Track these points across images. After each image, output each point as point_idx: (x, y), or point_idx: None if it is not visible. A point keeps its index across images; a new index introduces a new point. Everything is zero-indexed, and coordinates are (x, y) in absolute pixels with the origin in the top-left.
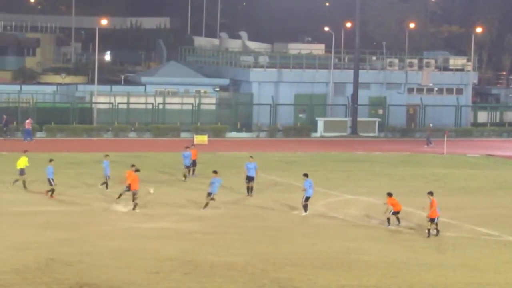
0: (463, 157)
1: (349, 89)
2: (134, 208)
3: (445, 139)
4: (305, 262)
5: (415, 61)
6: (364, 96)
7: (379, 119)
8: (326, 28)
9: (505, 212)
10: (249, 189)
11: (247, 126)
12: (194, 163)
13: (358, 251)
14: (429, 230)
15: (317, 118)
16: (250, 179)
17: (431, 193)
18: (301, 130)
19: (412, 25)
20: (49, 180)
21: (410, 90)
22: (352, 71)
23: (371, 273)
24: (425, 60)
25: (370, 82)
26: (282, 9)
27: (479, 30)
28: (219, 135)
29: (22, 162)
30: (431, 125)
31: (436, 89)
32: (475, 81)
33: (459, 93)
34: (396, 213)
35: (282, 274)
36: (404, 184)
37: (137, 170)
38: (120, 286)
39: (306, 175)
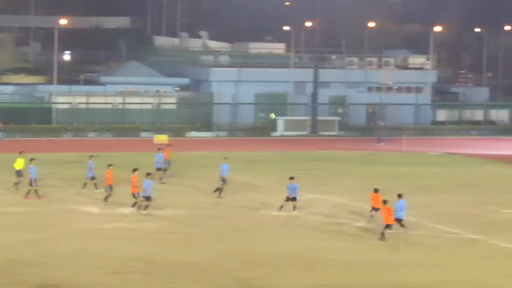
0: (423, 155)
1: (310, 88)
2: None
3: (405, 137)
4: (269, 261)
5: (375, 60)
6: (324, 95)
7: (340, 118)
8: (287, 28)
9: (466, 210)
10: (220, 190)
11: (207, 125)
12: (167, 163)
13: (322, 250)
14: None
15: (277, 117)
16: (223, 180)
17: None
18: (262, 129)
19: (372, 24)
20: (31, 180)
21: (370, 89)
22: (312, 70)
23: (334, 272)
24: (385, 59)
25: (330, 81)
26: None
27: (438, 29)
28: (180, 134)
29: (19, 163)
30: (381, 123)
31: (395, 87)
32: (435, 79)
33: (419, 92)
34: (375, 209)
35: (246, 274)
36: (368, 183)
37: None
38: (81, 286)
39: (292, 178)
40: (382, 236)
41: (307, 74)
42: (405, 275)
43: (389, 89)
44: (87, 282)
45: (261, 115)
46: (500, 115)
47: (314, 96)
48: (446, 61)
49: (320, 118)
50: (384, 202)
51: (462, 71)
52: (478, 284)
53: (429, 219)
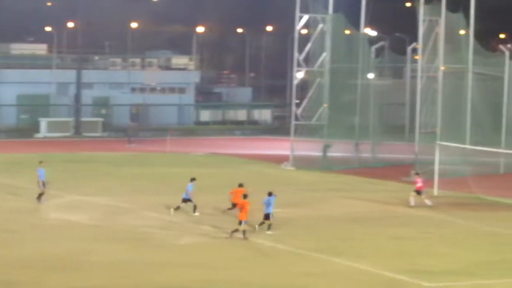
0: (186, 155)
1: (73, 89)
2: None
3: (169, 138)
4: (34, 263)
5: (138, 60)
6: (87, 96)
7: (103, 119)
8: (49, 28)
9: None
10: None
11: None
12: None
13: (87, 252)
14: (243, 231)
15: (40, 119)
16: (43, 183)
17: (245, 196)
18: (24, 131)
19: (135, 25)
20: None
21: (134, 90)
22: (75, 71)
23: (100, 273)
24: (148, 60)
25: (94, 82)
26: (3, 8)
27: (201, 29)
28: None
29: None
30: (132, 124)
31: (159, 88)
32: (198, 80)
33: (182, 92)
34: (233, 206)
35: (11, 277)
36: (129, 184)
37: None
38: None
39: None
40: (244, 234)
41: (70, 75)
42: (170, 276)
43: (152, 89)
44: None
45: (23, 116)
46: (263, 115)
47: (77, 97)
48: (209, 61)
49: (83, 119)
50: (245, 196)
51: (225, 72)
52: (241, 283)
53: (193, 220)
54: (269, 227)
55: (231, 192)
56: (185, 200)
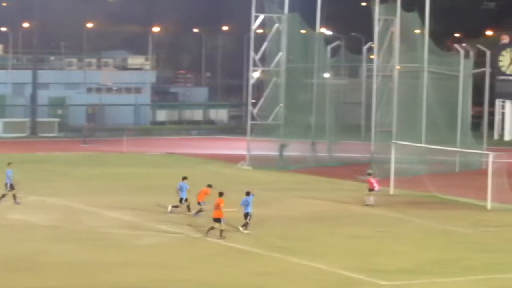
0: (143, 155)
1: (29, 90)
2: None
3: (125, 138)
4: None
5: (94, 60)
6: (43, 96)
7: (59, 119)
8: (4, 28)
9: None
10: (14, 197)
11: None
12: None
13: (44, 252)
14: (220, 230)
15: None
16: (11, 185)
17: (221, 194)
18: None
19: (91, 25)
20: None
21: (90, 90)
22: (31, 72)
23: (56, 274)
24: (104, 60)
25: (50, 82)
26: None
27: (156, 29)
28: None
29: None
30: (86, 124)
31: (115, 88)
32: (154, 80)
33: (138, 92)
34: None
35: None
36: (86, 184)
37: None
38: None
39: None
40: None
41: (25, 76)
42: (128, 276)
43: (109, 89)
44: None
45: None
46: (219, 114)
47: (33, 97)
48: (165, 61)
49: (39, 119)
50: (220, 194)
51: (181, 71)
52: (197, 282)
53: (150, 219)
54: (245, 226)
55: (200, 192)
56: (182, 200)
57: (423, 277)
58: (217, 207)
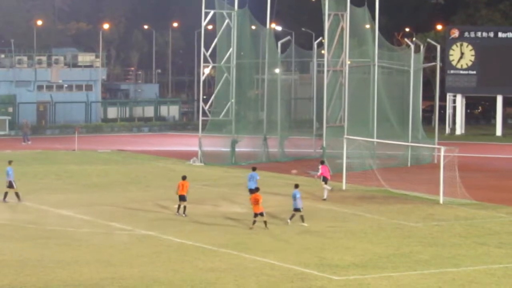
0: (94, 153)
1: None
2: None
3: (76, 135)
4: None
5: (44, 58)
6: None
7: (9, 117)
8: None
9: (137, 206)
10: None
11: None
12: None
13: None
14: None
15: None
16: (10, 183)
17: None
18: None
19: (40, 23)
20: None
21: (40, 87)
22: None
23: (5, 272)
24: (54, 57)
25: None
26: None
27: (106, 26)
28: None
29: None
30: (27, 121)
31: (66, 85)
32: (104, 77)
33: (89, 89)
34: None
35: None
36: (36, 182)
37: None
38: None
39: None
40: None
41: None
42: (77, 273)
43: (59, 87)
44: None
45: None
46: (170, 111)
47: None
48: (116, 58)
49: None
50: (257, 189)
51: (132, 68)
52: (149, 279)
53: (101, 216)
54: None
55: (178, 185)
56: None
57: (376, 271)
58: (257, 202)
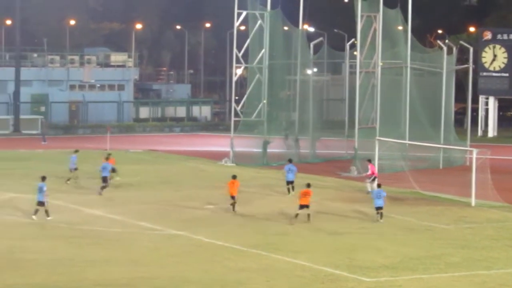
0: (125, 152)
1: (11, 87)
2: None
3: (108, 135)
4: None
5: (76, 58)
6: (26, 93)
7: (42, 117)
8: None
9: (167, 206)
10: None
11: None
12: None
13: (24, 250)
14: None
15: None
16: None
17: (308, 185)
18: None
19: (72, 22)
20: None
21: (72, 87)
22: (13, 69)
23: (38, 271)
24: (86, 57)
25: (32, 79)
26: None
27: (139, 26)
28: None
29: None
30: (44, 120)
31: (98, 85)
32: (137, 77)
33: (121, 89)
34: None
35: None
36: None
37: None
38: None
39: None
40: (295, 217)
41: (8, 73)
42: (108, 273)
43: (91, 87)
44: None
45: None
46: (202, 111)
47: (16, 95)
48: (148, 58)
49: (22, 117)
50: (308, 185)
51: (164, 68)
52: (179, 278)
53: (131, 216)
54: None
55: (228, 184)
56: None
57: (406, 273)
58: (307, 194)
